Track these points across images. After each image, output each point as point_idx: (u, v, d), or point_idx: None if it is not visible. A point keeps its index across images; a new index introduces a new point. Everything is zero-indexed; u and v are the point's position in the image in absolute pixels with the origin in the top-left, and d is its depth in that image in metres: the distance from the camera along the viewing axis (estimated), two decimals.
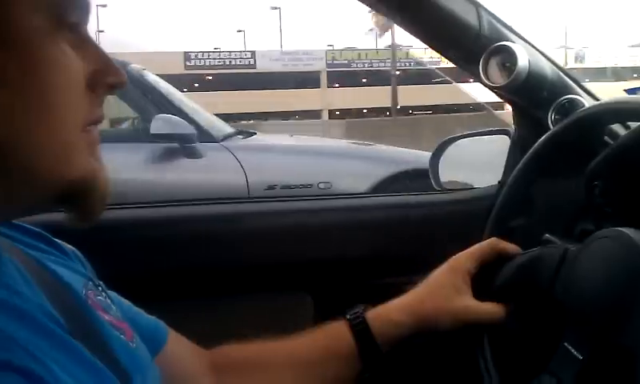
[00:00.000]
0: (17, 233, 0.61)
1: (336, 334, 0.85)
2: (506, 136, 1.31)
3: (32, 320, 0.47)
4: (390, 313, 0.85)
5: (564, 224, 0.95)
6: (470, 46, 1.07)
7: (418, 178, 3.82)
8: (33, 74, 0.46)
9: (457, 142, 1.48)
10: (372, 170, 3.85)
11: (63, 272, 0.62)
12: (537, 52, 1.11)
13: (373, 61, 35.20)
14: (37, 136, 0.47)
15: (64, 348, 0.48)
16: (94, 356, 0.50)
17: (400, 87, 29.96)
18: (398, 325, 0.84)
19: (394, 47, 30.11)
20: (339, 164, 3.95)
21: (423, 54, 33.84)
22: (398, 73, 33.09)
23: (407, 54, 34.29)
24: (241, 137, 4.16)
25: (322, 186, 3.52)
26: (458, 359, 0.96)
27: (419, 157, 4.41)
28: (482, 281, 0.86)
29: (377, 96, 29.15)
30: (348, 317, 0.85)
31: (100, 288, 0.67)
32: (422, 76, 31.93)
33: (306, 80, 33.17)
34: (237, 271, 1.14)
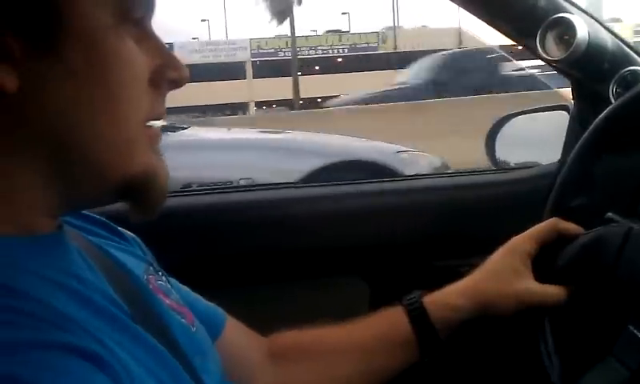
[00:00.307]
0: (81, 221, 0.63)
1: (393, 319, 0.84)
2: (564, 111, 1.28)
3: (94, 304, 0.48)
4: (448, 297, 0.84)
5: (627, 202, 0.91)
6: (526, 19, 1.04)
7: (349, 171, 3.72)
8: (98, 67, 0.47)
9: (513, 120, 1.45)
10: (302, 162, 3.73)
11: (125, 258, 0.63)
12: (596, 23, 1.07)
13: (302, 48, 33.36)
14: (100, 129, 0.48)
15: (125, 331, 0.49)
16: (155, 339, 0.51)
17: (336, 75, 28.84)
18: (457, 309, 0.83)
19: (293, 32, 28.97)
20: (267, 158, 3.82)
21: (359, 39, 32.79)
22: (340, 59, 32.03)
23: (340, 38, 33.10)
24: (167, 133, 4.03)
25: (242, 182, 3.37)
26: (518, 343, 0.94)
27: (355, 148, 4.28)
28: (543, 262, 0.83)
29: (313, 85, 27.32)
30: (404, 302, 0.84)
31: (160, 273, 0.69)
32: (371, 62, 30.62)
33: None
34: (291, 256, 1.14)
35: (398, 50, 30.73)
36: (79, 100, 0.46)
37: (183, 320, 0.64)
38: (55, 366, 0.39)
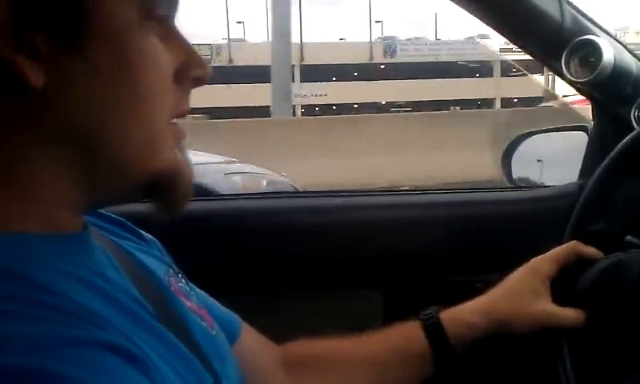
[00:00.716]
0: (101, 221, 0.62)
1: (409, 333, 0.83)
2: (583, 132, 1.27)
3: (119, 303, 0.48)
4: (465, 314, 0.84)
5: None
6: (552, 40, 1.04)
7: None
8: (124, 65, 0.46)
9: (530, 138, 1.44)
10: None
11: (146, 259, 0.63)
12: (621, 46, 1.07)
13: None
14: (125, 127, 0.48)
15: (150, 331, 0.49)
16: (178, 341, 0.51)
17: None
18: (473, 327, 0.83)
19: None
20: None
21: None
22: None
23: None
24: None
25: None
26: (535, 365, 0.93)
27: None
28: (562, 285, 0.83)
29: None
30: (421, 317, 0.84)
31: (180, 275, 0.68)
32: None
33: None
34: (307, 266, 1.13)
35: (233, 64, 30.18)
36: (104, 98, 0.46)
37: (203, 323, 0.63)
38: (91, 363, 0.39)
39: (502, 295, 0.84)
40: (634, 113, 1.09)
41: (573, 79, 1.03)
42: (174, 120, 0.52)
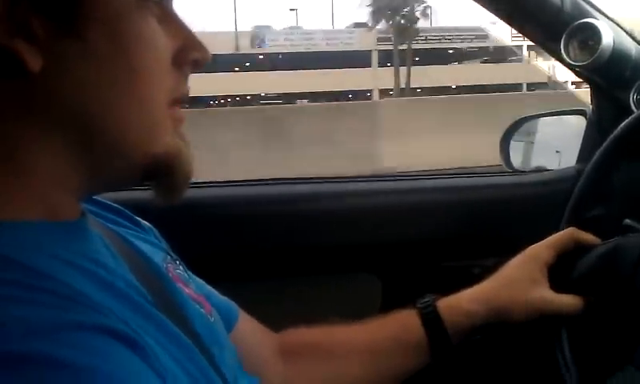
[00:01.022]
0: (99, 208, 0.62)
1: (405, 322, 0.83)
2: (581, 116, 1.27)
3: (118, 291, 0.48)
4: (462, 302, 0.83)
5: None
6: (551, 23, 1.03)
7: None
8: (122, 48, 0.46)
9: (528, 123, 1.44)
10: None
11: (144, 246, 0.63)
12: (620, 29, 1.06)
13: None
14: (122, 110, 0.47)
15: (149, 318, 0.48)
16: (177, 328, 0.51)
17: None
18: (470, 315, 0.82)
19: None
20: None
21: None
22: None
23: None
24: None
25: None
26: (534, 353, 0.93)
27: None
28: (560, 272, 0.83)
29: None
30: (418, 305, 0.84)
31: (177, 262, 0.68)
32: None
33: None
34: (306, 253, 1.13)
35: None
36: (102, 81, 0.46)
37: (202, 310, 0.63)
38: (89, 346, 0.38)
39: (499, 283, 0.84)
40: (632, 96, 1.08)
41: (572, 62, 1.02)
42: (174, 104, 0.52)
